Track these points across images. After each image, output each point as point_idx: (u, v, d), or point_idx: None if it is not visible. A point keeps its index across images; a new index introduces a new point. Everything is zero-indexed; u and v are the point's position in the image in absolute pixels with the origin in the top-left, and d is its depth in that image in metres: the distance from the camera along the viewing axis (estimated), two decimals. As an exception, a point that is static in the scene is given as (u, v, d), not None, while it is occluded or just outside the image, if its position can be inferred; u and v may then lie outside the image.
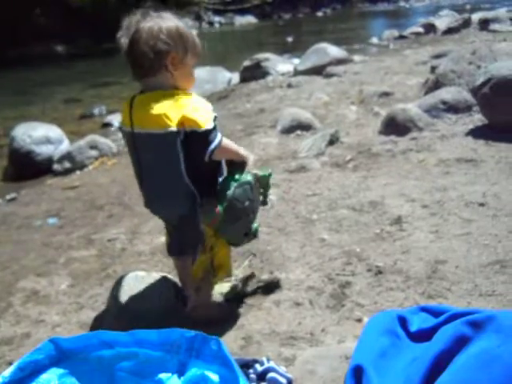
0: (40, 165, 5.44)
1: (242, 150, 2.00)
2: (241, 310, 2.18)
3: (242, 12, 30.08)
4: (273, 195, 3.30)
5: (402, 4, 42.75)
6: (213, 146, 1.81)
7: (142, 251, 2.91)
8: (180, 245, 2.07)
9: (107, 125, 7.18)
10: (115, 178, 4.58)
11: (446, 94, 4.67)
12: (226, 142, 1.90)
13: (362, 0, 44.58)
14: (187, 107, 1.77)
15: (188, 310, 2.10)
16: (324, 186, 3.46)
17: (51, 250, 3.18)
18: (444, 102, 4.57)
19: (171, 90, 1.83)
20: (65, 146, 5.69)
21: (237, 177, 1.93)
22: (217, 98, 7.62)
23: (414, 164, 3.66)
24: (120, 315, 2.21)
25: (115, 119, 7.22)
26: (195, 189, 1.88)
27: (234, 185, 1.91)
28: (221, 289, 2.23)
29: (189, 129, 1.76)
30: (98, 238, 3.23)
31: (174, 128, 1.75)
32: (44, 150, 5.51)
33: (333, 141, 4.36)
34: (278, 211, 3.13)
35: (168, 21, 1.87)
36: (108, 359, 1.17)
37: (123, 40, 1.84)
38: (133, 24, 1.84)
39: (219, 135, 1.83)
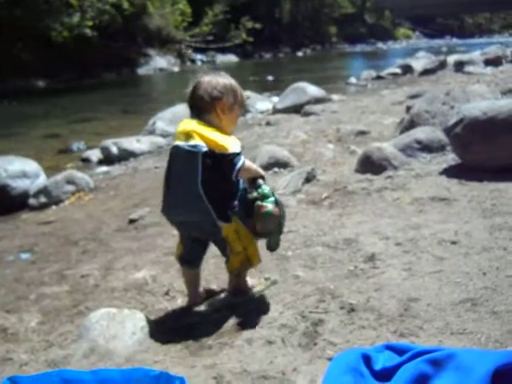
0: (15, 199, 5.38)
1: (259, 169, 2.41)
2: (213, 349, 2.16)
3: (224, 50, 30.58)
4: (248, 232, 3.30)
5: (379, 45, 43.93)
6: (239, 165, 2.20)
7: (116, 287, 2.88)
8: (195, 256, 2.48)
9: (85, 160, 7.16)
10: (91, 214, 4.55)
11: (421, 133, 4.76)
12: (248, 163, 2.30)
13: (342, 41, 45.71)
14: (211, 134, 2.21)
15: (230, 290, 2.52)
16: (300, 223, 3.48)
17: (22, 285, 3.13)
18: (418, 142, 4.66)
19: (214, 127, 2.27)
20: (41, 180, 5.64)
21: (263, 187, 2.30)
22: (196, 134, 7.65)
23: (388, 202, 3.70)
24: (90, 353, 2.17)
25: (94, 154, 7.22)
26: (207, 200, 2.21)
27: (270, 193, 2.29)
28: None
29: (218, 152, 2.19)
30: (71, 273, 3.19)
31: (199, 142, 2.18)
32: (20, 185, 5.46)
33: (309, 178, 4.40)
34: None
35: (224, 78, 2.38)
36: (70, 398, 1.15)
37: (189, 89, 2.35)
38: (197, 78, 2.35)
39: (243, 158, 2.24)
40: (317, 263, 2.83)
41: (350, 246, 2.98)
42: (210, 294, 2.61)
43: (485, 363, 1.08)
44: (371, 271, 2.64)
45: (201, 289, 2.60)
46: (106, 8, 21.87)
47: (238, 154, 2.22)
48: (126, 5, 23.08)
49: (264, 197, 2.27)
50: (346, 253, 2.91)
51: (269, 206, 2.25)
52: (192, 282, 2.54)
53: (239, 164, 2.21)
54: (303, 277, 2.68)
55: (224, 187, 2.28)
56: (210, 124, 2.27)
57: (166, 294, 2.73)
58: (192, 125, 2.26)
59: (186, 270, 2.53)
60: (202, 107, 2.30)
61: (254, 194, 2.30)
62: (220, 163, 2.20)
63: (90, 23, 20.79)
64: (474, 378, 1.03)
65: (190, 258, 2.49)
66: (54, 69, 20.20)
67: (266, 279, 2.70)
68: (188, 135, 2.22)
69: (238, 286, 2.51)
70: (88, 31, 20.66)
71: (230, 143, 2.23)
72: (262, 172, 2.38)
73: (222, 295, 2.59)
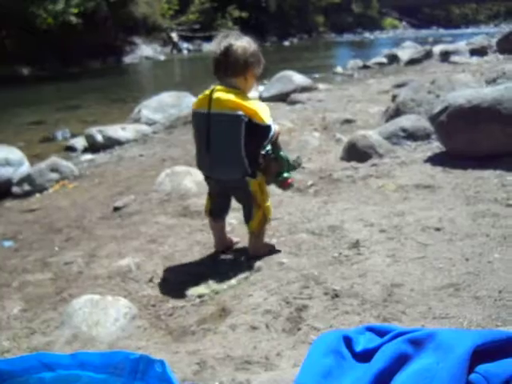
0: (-2, 187, 5.32)
1: (278, 129, 2.73)
2: (196, 335, 2.16)
3: (210, 39, 30.28)
4: (233, 219, 3.30)
5: (366, 35, 43.91)
6: (271, 134, 2.60)
7: (99, 275, 2.86)
8: (222, 210, 2.89)
9: (70, 148, 7.09)
10: (75, 202, 4.51)
11: (406, 121, 4.77)
12: (277, 129, 2.67)
13: (329, 30, 45.63)
14: (253, 105, 2.54)
15: (251, 251, 2.81)
16: (285, 211, 3.47)
17: (5, 273, 3.10)
18: (404, 130, 4.67)
19: (241, 91, 2.59)
20: (25, 168, 5.57)
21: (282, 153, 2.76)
22: (182, 122, 7.61)
23: (373, 190, 3.71)
24: (72, 340, 2.16)
25: (78, 142, 7.15)
26: (247, 161, 2.57)
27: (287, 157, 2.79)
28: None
29: (256, 121, 2.51)
30: (55, 261, 3.16)
31: (242, 113, 2.48)
32: (3, 172, 5.39)
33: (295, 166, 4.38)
34: (239, 234, 3.12)
35: (252, 43, 2.63)
36: (48, 382, 1.14)
37: (218, 47, 2.54)
38: (226, 39, 2.55)
39: (274, 128, 2.61)
40: (301, 250, 2.83)
41: (335, 233, 2.98)
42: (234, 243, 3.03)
43: (464, 342, 1.08)
44: (355, 258, 2.65)
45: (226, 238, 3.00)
46: (92, -5, 21.62)
47: (271, 125, 2.58)
48: (111, -8, 22.82)
49: (281, 159, 2.73)
50: (330, 240, 2.91)
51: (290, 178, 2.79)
52: (219, 232, 2.94)
53: (272, 133, 2.60)
54: (287, 263, 2.68)
55: (256, 149, 2.65)
56: (237, 87, 2.58)
57: (150, 280, 2.72)
58: (231, 96, 2.52)
59: (214, 222, 2.92)
60: (235, 71, 2.57)
61: (272, 155, 2.73)
62: (256, 130, 2.53)
63: (75, 10, 20.47)
64: (454, 356, 1.03)
65: (218, 211, 2.89)
66: (38, 56, 19.92)
67: (250, 265, 2.70)
68: (230, 105, 2.50)
69: (259, 246, 2.82)
70: (73, 18, 20.34)
71: (266, 115, 2.56)
72: (279, 131, 2.74)
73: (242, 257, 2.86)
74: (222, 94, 2.55)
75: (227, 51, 2.54)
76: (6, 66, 18.36)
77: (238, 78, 2.59)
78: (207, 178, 2.81)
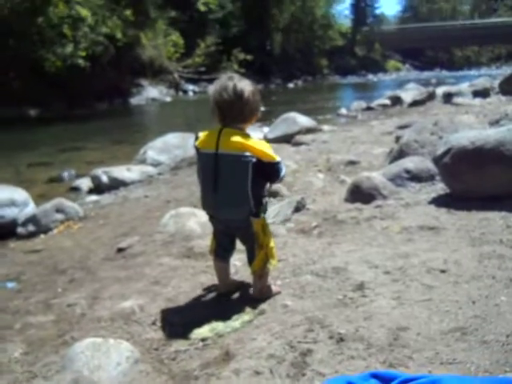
0: (3, 227, 5.32)
1: None
2: (199, 380, 2.12)
3: (215, 81, 30.74)
4: (238, 261, 3.29)
5: (370, 77, 44.55)
6: (284, 171, 2.66)
7: (102, 317, 2.83)
8: (227, 251, 2.89)
9: (75, 189, 7.13)
10: (80, 242, 4.51)
11: (410, 163, 4.79)
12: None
13: (332, 73, 46.31)
14: (260, 145, 2.57)
15: (255, 293, 2.80)
16: (289, 252, 3.46)
17: (7, 314, 3.07)
18: (408, 171, 4.68)
19: (245, 132, 2.63)
20: (30, 209, 5.60)
21: None
22: (187, 163, 7.67)
23: (377, 231, 3.70)
24: (73, 384, 2.13)
25: (84, 183, 7.19)
26: (253, 201, 2.60)
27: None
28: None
29: (265, 160, 2.55)
30: (58, 302, 3.14)
31: (250, 154, 2.52)
32: (8, 213, 5.41)
33: (299, 208, 4.40)
34: (243, 277, 3.11)
35: (254, 86, 2.66)
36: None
37: (227, 90, 2.54)
38: (232, 82, 2.56)
39: (284, 169, 2.68)
40: (306, 292, 2.81)
41: (339, 275, 2.96)
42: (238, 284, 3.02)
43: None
44: (360, 300, 2.62)
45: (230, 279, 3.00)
46: (100, 39, 22.04)
47: (280, 161, 2.63)
48: (119, 36, 23.28)
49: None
50: (335, 281, 2.89)
51: None
52: (223, 272, 2.94)
53: (284, 170, 2.66)
54: (292, 306, 2.65)
55: (262, 189, 2.70)
56: (239, 129, 2.62)
57: (153, 323, 2.70)
58: (238, 137, 2.55)
59: (218, 262, 2.92)
60: (247, 115, 2.64)
61: None
62: (265, 169, 2.58)
63: (83, 53, 20.89)
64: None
65: (222, 252, 2.89)
66: (45, 98, 20.23)
67: (254, 308, 2.68)
68: (238, 146, 2.53)
69: (262, 288, 2.80)
70: (81, 61, 20.73)
71: (274, 153, 2.61)
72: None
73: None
74: (229, 135, 2.57)
75: (242, 96, 2.56)
76: (14, 107, 18.66)
77: (243, 122, 2.65)
78: (212, 218, 2.82)
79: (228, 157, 2.56)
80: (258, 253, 2.73)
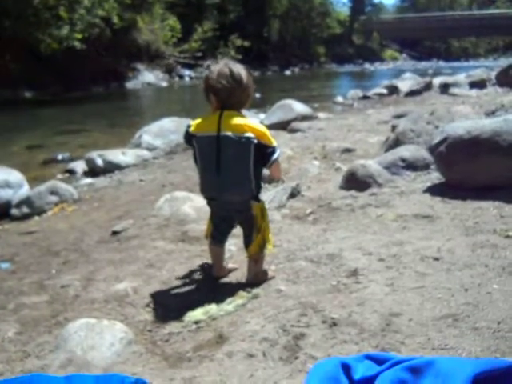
0: (-3, 209, 5.32)
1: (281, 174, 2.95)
2: (192, 362, 2.13)
3: (212, 67, 30.58)
4: (233, 245, 3.30)
5: (367, 66, 44.44)
6: (274, 157, 2.64)
7: (96, 298, 2.84)
8: (223, 235, 2.90)
9: (70, 171, 7.11)
10: (74, 225, 4.50)
11: (405, 151, 4.79)
12: (279, 162, 2.74)
13: (329, 61, 46.18)
14: (260, 128, 2.61)
15: (250, 277, 2.81)
16: (284, 238, 3.47)
17: (1, 295, 3.07)
18: (403, 160, 4.69)
19: (244, 115, 2.68)
20: (24, 190, 5.58)
21: None
22: (182, 148, 7.64)
23: (372, 219, 3.71)
24: (67, 364, 2.14)
25: (79, 166, 7.17)
26: (254, 182, 2.65)
27: None
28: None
29: (262, 142, 2.58)
30: (51, 284, 3.14)
31: (252, 135, 2.56)
32: (2, 195, 5.39)
33: (294, 194, 4.40)
34: (237, 261, 3.12)
35: (250, 73, 2.73)
36: (43, 405, 1.12)
37: (226, 75, 2.57)
38: (226, 69, 2.59)
39: (279, 152, 2.69)
40: (299, 278, 2.82)
41: (333, 261, 2.97)
42: (232, 269, 3.04)
43: (464, 370, 1.07)
44: (354, 286, 2.64)
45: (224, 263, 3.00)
46: (96, 21, 21.87)
47: (277, 148, 2.66)
48: (115, 19, 23.10)
49: None
50: (329, 268, 2.90)
51: None
52: (218, 256, 2.94)
53: (275, 155, 2.64)
54: (285, 291, 2.67)
55: (261, 172, 2.73)
56: (238, 111, 2.66)
57: (147, 305, 2.70)
58: (240, 119, 2.59)
59: (214, 246, 2.93)
60: (246, 99, 2.69)
61: None
62: (262, 152, 2.60)
63: (79, 36, 20.73)
64: (454, 385, 1.02)
65: (219, 236, 2.90)
66: (41, 80, 20.12)
67: (248, 292, 2.69)
68: (240, 128, 2.56)
69: (258, 273, 2.82)
70: (77, 44, 20.58)
71: (273, 138, 2.65)
72: (281, 176, 2.98)
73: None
74: (231, 117, 2.59)
75: (241, 81, 2.61)
76: (9, 89, 18.55)
77: (242, 104, 2.70)
78: (211, 202, 2.82)
79: (231, 138, 2.57)
80: (256, 237, 2.75)
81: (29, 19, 19.36)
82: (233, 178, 2.63)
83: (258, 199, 2.73)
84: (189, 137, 2.72)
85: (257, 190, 2.71)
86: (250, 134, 2.56)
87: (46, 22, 19.89)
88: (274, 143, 2.65)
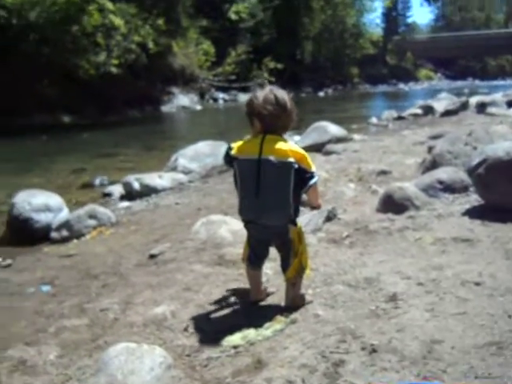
0: (37, 232, 5.43)
1: (320, 201, 2.91)
2: (231, 387, 2.13)
3: (246, 90, 30.91)
4: (269, 269, 3.29)
5: (401, 86, 44.24)
6: (312, 182, 2.67)
7: (135, 322, 2.86)
8: (260, 258, 2.90)
9: (108, 195, 7.23)
10: (112, 248, 4.57)
11: (443, 173, 4.74)
12: (317, 188, 2.81)
13: (363, 81, 46.15)
14: (302, 152, 2.64)
15: (288, 302, 2.81)
16: (320, 262, 3.45)
17: (42, 318, 3.13)
18: (441, 182, 4.63)
19: (285, 139, 2.69)
20: (64, 214, 5.69)
21: None
22: (218, 171, 7.72)
23: (410, 242, 3.66)
24: (107, 388, 2.16)
25: (116, 190, 7.28)
26: (293, 207, 2.67)
27: None
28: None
29: (302, 166, 2.61)
30: (91, 307, 3.19)
31: (293, 160, 2.58)
32: (43, 218, 5.52)
33: (330, 217, 4.38)
34: (274, 285, 3.11)
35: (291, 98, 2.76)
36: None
37: (271, 101, 2.62)
38: (271, 95, 2.64)
39: (317, 178, 2.72)
40: (337, 302, 2.80)
41: (372, 286, 2.94)
42: (269, 293, 3.04)
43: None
44: (393, 311, 2.60)
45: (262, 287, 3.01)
46: (132, 47, 22.37)
47: (314, 173, 2.68)
48: (151, 44, 23.59)
49: None
50: (367, 292, 2.87)
51: None
52: (256, 280, 2.95)
53: (313, 181, 2.67)
54: (323, 316, 2.65)
55: (300, 196, 2.73)
56: (281, 136, 2.69)
57: (185, 329, 2.71)
58: (282, 143, 2.62)
59: (252, 269, 2.93)
60: (289, 125, 2.73)
61: None
62: (300, 176, 2.62)
63: (116, 61, 21.23)
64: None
65: (256, 259, 2.90)
66: (78, 105, 20.56)
67: (286, 317, 2.68)
68: (283, 152, 2.59)
69: (295, 297, 2.81)
70: (113, 69, 21.07)
71: (311, 162, 2.68)
72: (320, 203, 2.91)
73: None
74: (273, 142, 2.63)
75: (286, 107, 2.66)
76: (48, 113, 19.02)
77: (287, 129, 2.75)
78: (248, 225, 2.81)
79: (272, 162, 2.60)
80: (293, 261, 2.75)
81: (67, 46, 19.91)
82: (272, 202, 2.65)
83: (295, 223, 2.74)
84: (229, 159, 2.76)
85: (295, 215, 2.72)
86: (291, 159, 2.59)
87: (84, 48, 20.43)
88: (313, 168, 2.68)
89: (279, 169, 2.60)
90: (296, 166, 2.60)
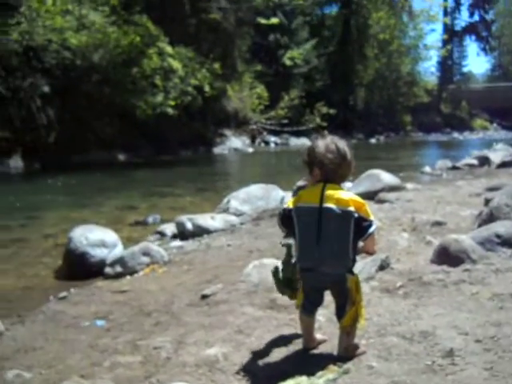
0: (92, 267, 5.58)
1: (376, 248, 2.98)
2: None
3: (298, 134, 31.19)
4: (321, 316, 3.27)
5: (455, 135, 43.63)
6: (371, 230, 2.70)
7: (187, 362, 2.89)
8: (315, 305, 2.89)
9: (160, 233, 7.36)
10: (164, 286, 4.64)
11: (501, 227, 4.64)
12: (375, 235, 2.84)
13: (416, 129, 45.78)
14: (361, 201, 2.70)
15: (341, 351, 2.77)
16: (373, 311, 3.41)
17: (97, 352, 3.20)
18: (498, 236, 4.53)
19: (343, 188, 2.79)
20: (118, 250, 5.83)
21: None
22: (269, 214, 7.76)
23: (466, 296, 3.58)
24: (160, 427, 2.17)
25: (168, 229, 7.41)
26: (352, 256, 2.69)
27: None
28: None
29: (362, 215, 2.65)
30: (144, 344, 3.24)
31: (353, 209, 2.63)
32: (98, 253, 5.67)
33: (383, 266, 4.34)
34: (326, 333, 3.09)
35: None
36: None
37: (329, 155, 2.70)
38: (333, 145, 2.73)
39: (375, 226, 2.75)
40: (392, 354, 2.75)
41: (427, 339, 2.88)
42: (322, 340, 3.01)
43: None
44: (450, 368, 2.54)
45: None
46: (189, 89, 22.98)
47: (373, 222, 2.73)
48: (207, 87, 24.19)
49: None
50: (422, 346, 2.82)
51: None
52: (309, 327, 2.93)
53: (372, 229, 2.71)
54: (377, 368, 2.61)
55: (357, 245, 2.74)
56: (340, 185, 2.76)
57: (237, 373, 2.72)
58: (342, 193, 2.70)
59: (305, 316, 2.91)
60: (345, 174, 2.80)
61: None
62: (358, 225, 2.66)
63: (173, 103, 21.83)
64: None
65: (310, 306, 2.88)
66: (134, 143, 21.21)
67: (339, 366, 2.65)
68: (344, 202, 2.65)
69: (349, 346, 2.78)
70: (170, 110, 21.67)
71: (370, 211, 2.72)
72: (375, 251, 3.03)
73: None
74: (334, 190, 2.69)
75: (346, 157, 2.74)
76: (106, 151, 19.69)
77: (347, 178, 2.89)
78: (305, 272, 2.82)
79: (334, 211, 2.65)
80: (350, 309, 2.75)
81: (127, 87, 20.65)
82: (332, 251, 2.68)
83: (352, 272, 2.76)
84: (286, 218, 2.81)
85: (352, 263, 2.75)
86: (351, 208, 2.64)
87: (143, 89, 21.13)
88: (372, 217, 2.72)
89: (340, 217, 2.64)
90: (356, 215, 2.64)
